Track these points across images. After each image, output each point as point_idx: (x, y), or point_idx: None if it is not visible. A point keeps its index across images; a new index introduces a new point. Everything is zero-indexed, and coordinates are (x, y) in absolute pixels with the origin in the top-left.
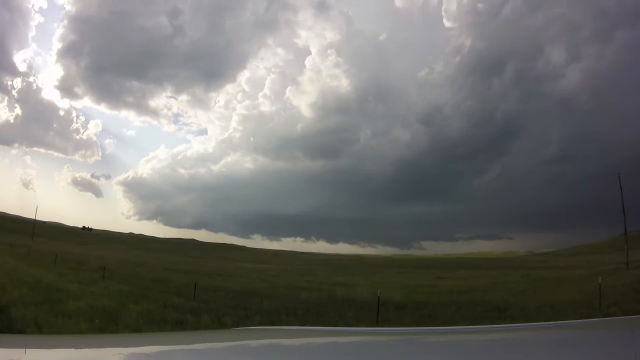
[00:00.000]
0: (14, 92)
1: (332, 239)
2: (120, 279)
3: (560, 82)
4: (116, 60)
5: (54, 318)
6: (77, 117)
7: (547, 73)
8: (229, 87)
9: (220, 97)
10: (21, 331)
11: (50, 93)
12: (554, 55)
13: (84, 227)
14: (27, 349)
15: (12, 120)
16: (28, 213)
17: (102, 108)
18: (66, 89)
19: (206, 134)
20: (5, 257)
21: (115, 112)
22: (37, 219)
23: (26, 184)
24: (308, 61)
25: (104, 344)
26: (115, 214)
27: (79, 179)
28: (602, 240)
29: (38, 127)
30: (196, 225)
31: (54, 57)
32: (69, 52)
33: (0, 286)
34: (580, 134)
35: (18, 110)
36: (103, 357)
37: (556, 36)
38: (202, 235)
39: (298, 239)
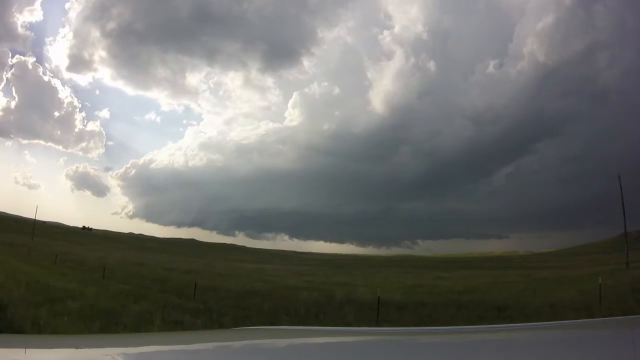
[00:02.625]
0: (9, 74)
1: (320, 238)
2: (120, 279)
3: (600, 82)
4: (153, 24)
5: (53, 318)
6: (89, 99)
7: (590, 73)
8: (292, 67)
9: (281, 78)
10: (21, 331)
11: (58, 68)
12: (601, 54)
13: (84, 227)
14: (27, 349)
15: (5, 105)
16: (25, 212)
17: (125, 87)
18: (80, 62)
19: (256, 120)
20: (5, 257)
21: (140, 93)
22: (37, 218)
23: (24, 181)
24: (385, 44)
25: (104, 344)
26: (116, 211)
27: (84, 175)
28: (602, 240)
29: (39, 114)
30: (182, 224)
31: (69, 20)
32: (91, 13)
33: (0, 286)
34: (602, 134)
35: (15, 93)
36: (103, 357)
37: (605, 35)
38: (189, 233)
39: (281, 236)
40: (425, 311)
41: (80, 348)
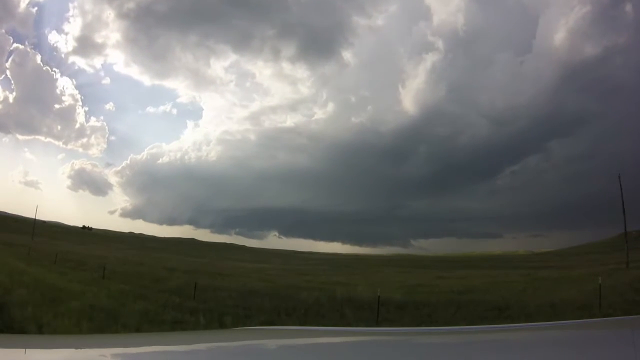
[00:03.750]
0: (8, 61)
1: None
2: (120, 279)
3: (616, 83)
4: (176, 6)
5: (54, 318)
6: (94, 90)
7: (609, 74)
8: (327, 58)
9: (314, 69)
10: (21, 331)
11: (62, 55)
12: (620, 56)
13: (84, 227)
14: (27, 349)
15: (3, 98)
16: (24, 211)
17: (140, 75)
18: (90, 46)
19: (282, 113)
20: (5, 256)
21: (158, 82)
22: (37, 217)
23: (21, 179)
24: (422, 37)
25: (104, 344)
26: (112, 209)
27: (84, 173)
28: (602, 240)
29: (39, 108)
30: (176, 221)
31: None
32: None
33: (0, 286)
34: (613, 133)
35: (14, 84)
36: (103, 357)
37: (628, 36)
38: (183, 231)
39: (272, 234)
40: (425, 311)
41: (80, 348)
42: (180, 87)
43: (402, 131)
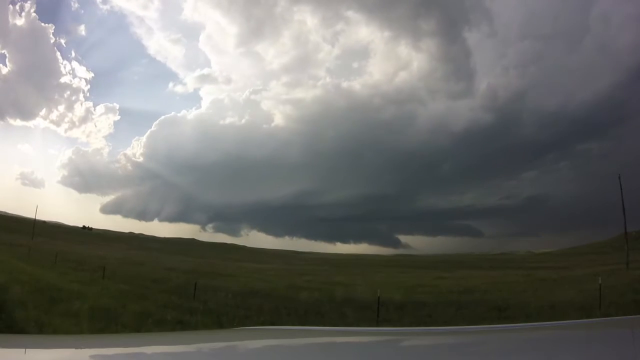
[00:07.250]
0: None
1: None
2: (120, 279)
3: None
4: None
5: (54, 318)
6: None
7: None
8: (453, 42)
9: (434, 55)
10: (21, 331)
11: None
12: None
13: (84, 227)
14: (27, 349)
15: None
16: (22, 210)
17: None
18: None
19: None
20: (5, 256)
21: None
22: (37, 217)
23: (18, 172)
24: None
25: (104, 344)
26: (112, 208)
27: (83, 165)
28: (602, 240)
29: (37, 85)
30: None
31: None
32: None
33: (1, 286)
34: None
35: (14, 51)
36: (103, 357)
37: None
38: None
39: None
40: (425, 311)
41: (80, 348)
42: (266, 53)
43: (462, 132)
